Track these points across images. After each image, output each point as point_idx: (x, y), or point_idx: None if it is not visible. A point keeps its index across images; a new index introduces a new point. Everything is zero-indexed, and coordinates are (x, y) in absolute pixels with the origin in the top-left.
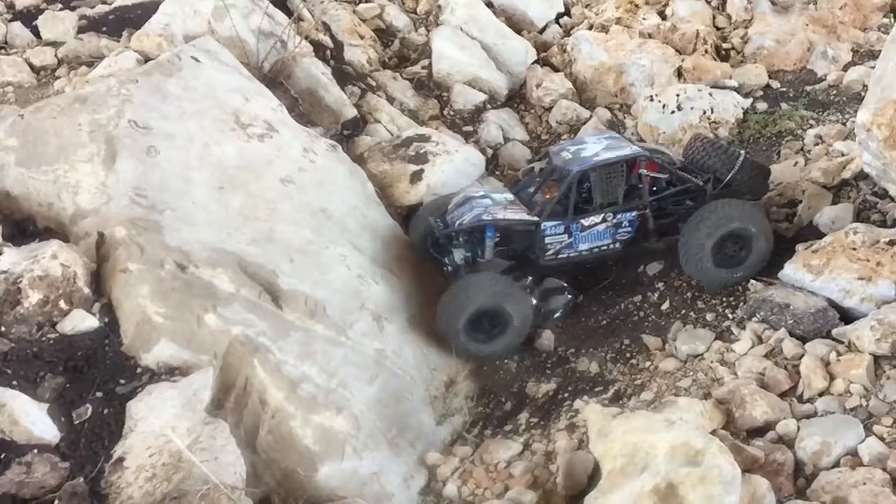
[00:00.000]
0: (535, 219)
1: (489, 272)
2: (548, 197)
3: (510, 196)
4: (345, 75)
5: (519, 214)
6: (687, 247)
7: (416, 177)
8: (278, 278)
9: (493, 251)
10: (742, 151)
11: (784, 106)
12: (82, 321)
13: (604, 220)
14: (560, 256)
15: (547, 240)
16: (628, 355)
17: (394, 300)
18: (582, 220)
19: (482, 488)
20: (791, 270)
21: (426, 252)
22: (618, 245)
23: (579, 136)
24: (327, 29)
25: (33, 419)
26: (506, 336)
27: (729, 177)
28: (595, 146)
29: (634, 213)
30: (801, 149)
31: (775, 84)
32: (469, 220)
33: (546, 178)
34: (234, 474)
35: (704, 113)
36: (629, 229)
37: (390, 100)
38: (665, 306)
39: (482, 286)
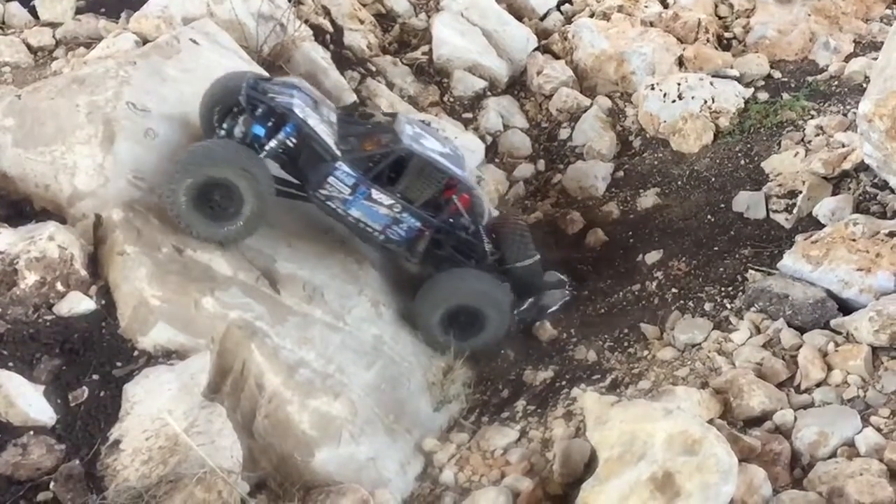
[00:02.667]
0: (338, 153)
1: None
2: (364, 147)
3: (334, 118)
4: (344, 60)
5: (328, 137)
6: (416, 306)
7: None
8: (276, 262)
9: (278, 149)
10: (538, 258)
11: (785, 96)
12: (79, 303)
13: (390, 208)
14: (328, 203)
15: (330, 179)
16: (626, 344)
17: (392, 285)
18: (373, 191)
19: (479, 475)
20: (790, 261)
21: (209, 123)
22: (382, 237)
23: (438, 129)
24: (327, 13)
25: (29, 401)
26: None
27: (510, 265)
28: (438, 147)
29: (418, 224)
30: (802, 139)
31: (777, 74)
32: (281, 102)
33: (376, 131)
34: (230, 458)
35: (705, 102)
36: (403, 233)
37: (390, 85)
38: (663, 295)
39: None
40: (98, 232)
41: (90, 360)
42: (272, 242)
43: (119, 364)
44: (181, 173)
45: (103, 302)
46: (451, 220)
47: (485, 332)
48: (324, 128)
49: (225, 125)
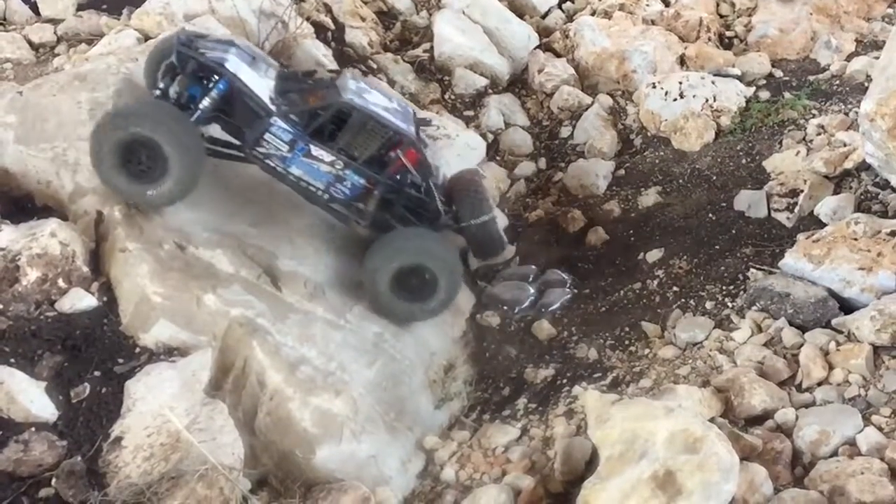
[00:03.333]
0: (272, 109)
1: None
2: (309, 101)
3: (272, 73)
4: (346, 57)
5: (263, 92)
6: (365, 267)
7: None
8: (278, 260)
9: (212, 108)
10: (493, 216)
11: (787, 95)
12: (81, 300)
13: (331, 164)
14: (267, 161)
15: (267, 136)
16: (627, 342)
17: None
18: (311, 147)
19: (480, 472)
20: (792, 260)
21: (153, 79)
22: (326, 196)
23: (384, 88)
24: (328, 10)
25: (31, 397)
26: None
27: (465, 224)
28: (384, 102)
29: (362, 181)
30: (804, 138)
31: (778, 73)
32: (212, 57)
33: (318, 87)
34: (232, 455)
35: (707, 101)
36: (347, 191)
37: (391, 83)
38: (664, 294)
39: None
40: (100, 228)
41: (92, 357)
42: (274, 240)
43: (121, 361)
44: (99, 133)
45: (105, 299)
46: (397, 176)
47: (436, 296)
48: (258, 83)
49: (161, 84)
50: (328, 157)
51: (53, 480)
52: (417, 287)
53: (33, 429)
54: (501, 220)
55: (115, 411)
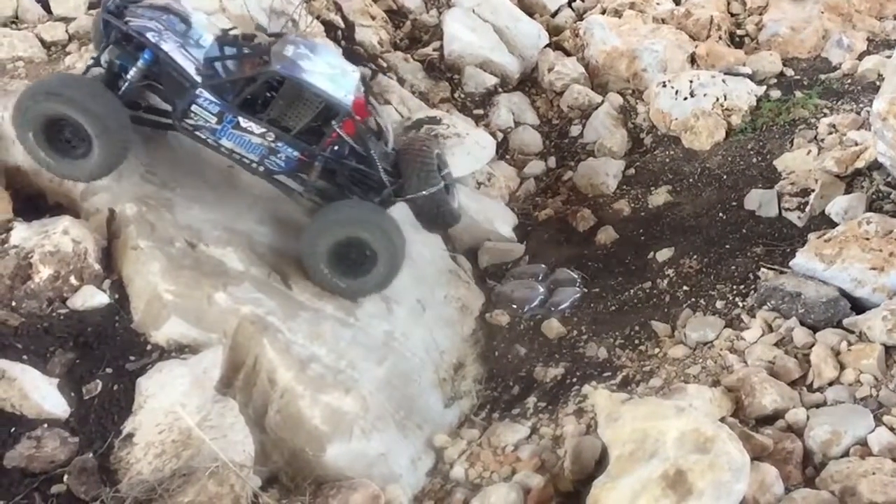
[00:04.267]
0: (197, 80)
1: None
2: (245, 69)
3: (207, 39)
4: (356, 56)
5: (187, 62)
6: (303, 242)
7: None
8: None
9: (139, 79)
10: (441, 184)
11: (798, 94)
12: (93, 297)
13: (263, 136)
14: (197, 133)
15: (194, 108)
16: (637, 341)
17: (403, 282)
18: (240, 119)
19: (489, 471)
20: (803, 259)
21: (100, 45)
22: (262, 169)
23: (331, 52)
24: (339, 9)
25: (43, 394)
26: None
27: (410, 195)
28: (326, 69)
29: (296, 153)
30: (815, 137)
31: (789, 72)
32: (135, 26)
33: (255, 54)
34: (242, 452)
35: (717, 100)
36: (282, 164)
37: (401, 81)
38: (674, 293)
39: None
40: (111, 226)
41: (104, 354)
42: (283, 238)
43: (132, 358)
44: (18, 109)
45: (117, 296)
46: (334, 148)
47: (377, 270)
48: (184, 53)
49: (99, 60)
50: (258, 129)
51: (65, 477)
52: (357, 261)
53: (45, 425)
54: (460, 191)
55: (127, 408)
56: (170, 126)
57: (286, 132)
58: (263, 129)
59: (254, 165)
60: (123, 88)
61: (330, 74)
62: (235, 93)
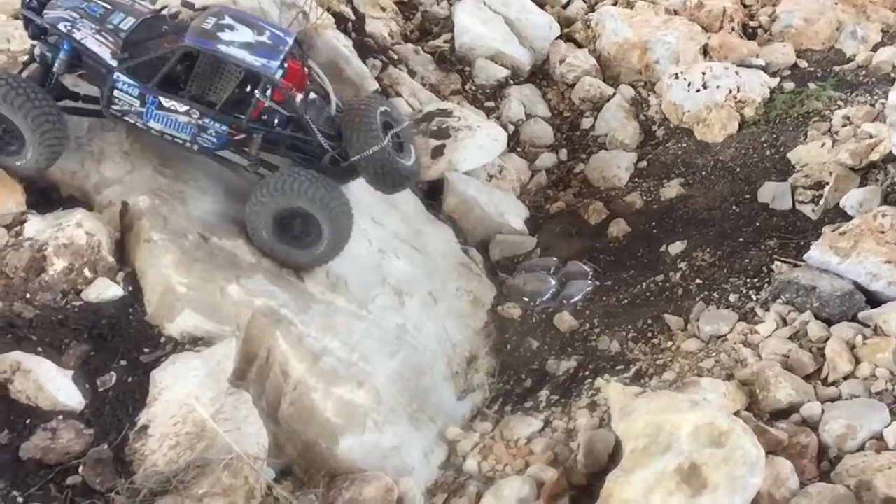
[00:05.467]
0: (112, 64)
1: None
2: (162, 47)
3: (129, 23)
4: (366, 48)
5: (102, 47)
6: (247, 211)
7: (437, 152)
8: None
9: (65, 70)
10: (385, 142)
11: (812, 86)
12: (106, 290)
13: (188, 114)
14: (126, 119)
15: (116, 93)
16: (650, 335)
17: (415, 275)
18: (161, 99)
19: (502, 464)
20: (817, 252)
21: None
22: (196, 147)
23: (258, 21)
24: (349, 1)
25: (58, 386)
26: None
27: (353, 158)
28: (249, 37)
29: (224, 127)
30: (829, 130)
31: (803, 63)
32: (49, 17)
33: (174, 31)
34: (256, 445)
35: (730, 92)
36: (214, 140)
37: (412, 73)
38: (687, 286)
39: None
40: (125, 219)
41: (118, 346)
42: None
43: (146, 350)
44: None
45: (130, 288)
46: (263, 117)
47: (322, 241)
48: (100, 39)
49: (35, 53)
50: (182, 108)
51: (81, 468)
52: (302, 232)
53: (60, 417)
54: (415, 149)
55: (141, 400)
56: (94, 113)
57: (211, 107)
58: (187, 107)
59: (188, 145)
60: (52, 82)
61: (251, 44)
62: (149, 72)
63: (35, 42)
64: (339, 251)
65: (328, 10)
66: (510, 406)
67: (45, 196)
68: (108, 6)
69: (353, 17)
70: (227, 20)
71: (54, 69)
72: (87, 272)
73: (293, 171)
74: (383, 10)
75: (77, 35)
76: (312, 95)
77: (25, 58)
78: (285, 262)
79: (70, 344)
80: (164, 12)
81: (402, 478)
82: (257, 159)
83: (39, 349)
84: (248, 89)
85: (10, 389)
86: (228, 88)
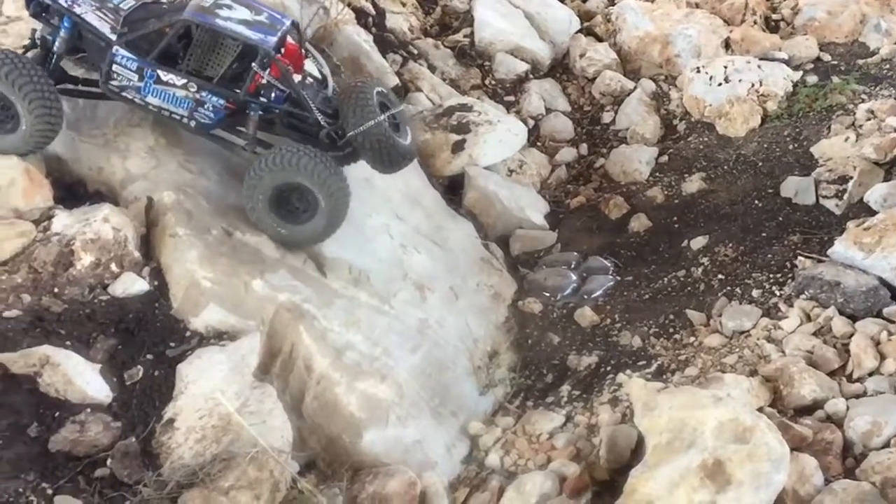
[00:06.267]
0: (111, 37)
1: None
2: (162, 26)
3: (127, 3)
4: (386, 43)
5: (102, 23)
6: (245, 186)
7: (457, 147)
8: (322, 246)
9: (65, 48)
10: (381, 117)
11: (835, 79)
12: (133, 284)
13: (185, 88)
14: (124, 94)
15: (115, 67)
16: (672, 330)
17: (436, 270)
18: (160, 72)
19: (525, 459)
20: (842, 248)
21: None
22: (193, 123)
23: (259, 3)
24: None
25: (87, 379)
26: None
27: (349, 134)
28: (247, 15)
29: (222, 101)
30: (853, 124)
31: (826, 57)
32: None
33: (174, 9)
34: (281, 438)
35: (753, 85)
36: (211, 115)
37: (432, 68)
38: (709, 281)
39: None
40: (150, 214)
41: (144, 340)
42: None
43: (172, 344)
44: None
45: (156, 283)
46: (260, 92)
47: (318, 216)
48: (100, 14)
49: (37, 34)
50: (180, 81)
51: (108, 460)
52: (299, 208)
53: (89, 410)
54: (411, 132)
55: (168, 394)
56: (101, 95)
57: (208, 81)
58: (184, 80)
59: (185, 121)
60: (53, 61)
61: (249, 21)
62: (147, 46)
63: (35, 27)
64: (333, 231)
65: (349, 5)
66: (532, 401)
67: (72, 191)
68: None
69: (373, 12)
70: (227, 0)
71: (54, 49)
72: (113, 267)
73: (295, 147)
74: (403, 4)
75: (78, 10)
76: (310, 80)
77: (27, 42)
78: (277, 237)
79: (97, 338)
80: None
81: (424, 472)
82: (254, 138)
83: (68, 343)
84: (246, 63)
85: (39, 383)
86: (225, 62)
